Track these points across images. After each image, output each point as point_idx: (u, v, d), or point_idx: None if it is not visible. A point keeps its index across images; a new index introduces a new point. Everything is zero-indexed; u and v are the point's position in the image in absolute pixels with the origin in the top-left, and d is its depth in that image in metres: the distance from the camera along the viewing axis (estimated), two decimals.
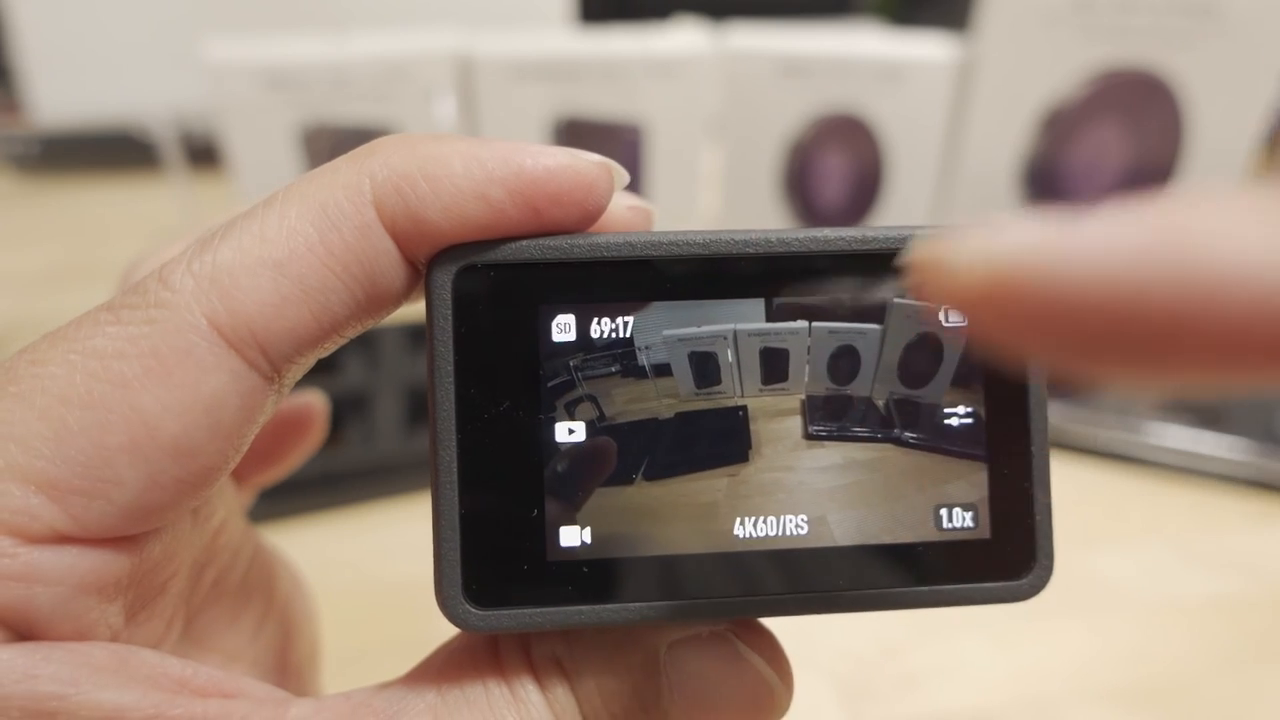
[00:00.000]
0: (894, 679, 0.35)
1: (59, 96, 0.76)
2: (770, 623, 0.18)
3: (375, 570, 0.40)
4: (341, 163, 0.16)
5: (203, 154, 0.72)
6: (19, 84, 0.76)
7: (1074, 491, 0.45)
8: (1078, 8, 0.55)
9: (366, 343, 0.52)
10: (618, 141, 0.57)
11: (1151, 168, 0.59)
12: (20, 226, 0.78)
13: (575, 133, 0.56)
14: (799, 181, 0.61)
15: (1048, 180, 0.60)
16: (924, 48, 0.57)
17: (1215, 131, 0.57)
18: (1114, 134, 0.58)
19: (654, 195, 0.59)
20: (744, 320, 0.17)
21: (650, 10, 0.90)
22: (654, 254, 0.17)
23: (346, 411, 0.47)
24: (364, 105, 0.54)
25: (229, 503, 0.21)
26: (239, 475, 0.24)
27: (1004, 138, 0.59)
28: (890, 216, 0.61)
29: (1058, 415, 0.48)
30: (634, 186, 0.58)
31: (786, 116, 0.59)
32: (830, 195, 0.62)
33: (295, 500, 0.43)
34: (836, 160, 0.60)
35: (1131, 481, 0.46)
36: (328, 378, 0.50)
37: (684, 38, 0.56)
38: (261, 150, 0.53)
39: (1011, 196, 0.61)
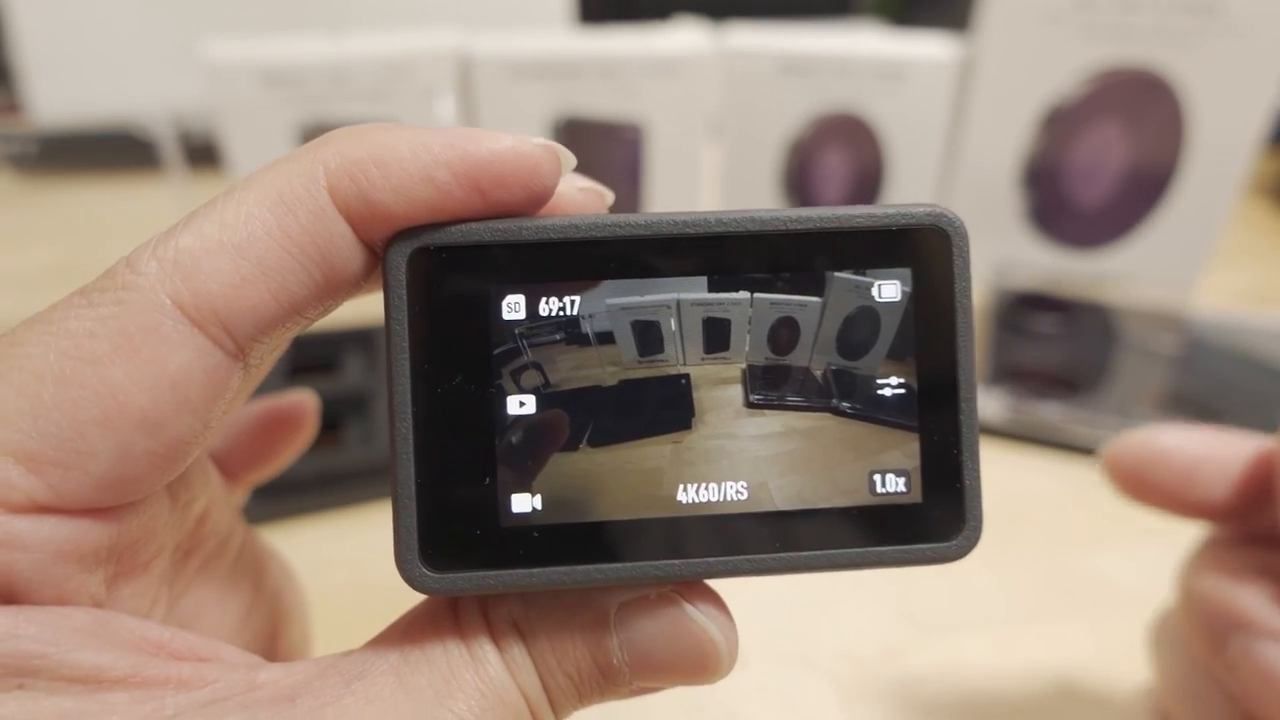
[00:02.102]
0: (894, 679, 0.35)
1: (58, 96, 0.76)
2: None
3: (375, 570, 0.40)
4: (297, 153, 0.16)
5: (202, 153, 0.72)
6: (18, 84, 0.76)
7: (1074, 491, 0.45)
8: (1078, 6, 0.55)
9: (366, 343, 0.52)
10: (618, 141, 0.57)
11: (1152, 167, 0.59)
12: (19, 226, 0.78)
13: (575, 132, 0.56)
14: (799, 181, 0.61)
15: (1048, 179, 0.60)
16: (924, 47, 0.57)
17: (1216, 131, 0.57)
18: (1115, 133, 0.58)
19: (654, 195, 0.59)
20: (687, 291, 0.17)
21: (650, 10, 0.90)
22: (598, 235, 0.17)
23: (346, 411, 0.47)
24: (363, 104, 0.54)
25: (213, 492, 0.21)
26: (231, 473, 0.24)
27: (1004, 137, 0.59)
28: None
29: (1059, 415, 0.48)
30: (635, 186, 0.58)
31: (786, 116, 0.59)
32: (831, 195, 0.62)
33: (294, 500, 0.43)
34: (837, 159, 0.60)
35: None
36: (328, 378, 0.50)
37: (684, 38, 0.56)
38: (261, 149, 0.53)
39: (1012, 195, 0.61)
